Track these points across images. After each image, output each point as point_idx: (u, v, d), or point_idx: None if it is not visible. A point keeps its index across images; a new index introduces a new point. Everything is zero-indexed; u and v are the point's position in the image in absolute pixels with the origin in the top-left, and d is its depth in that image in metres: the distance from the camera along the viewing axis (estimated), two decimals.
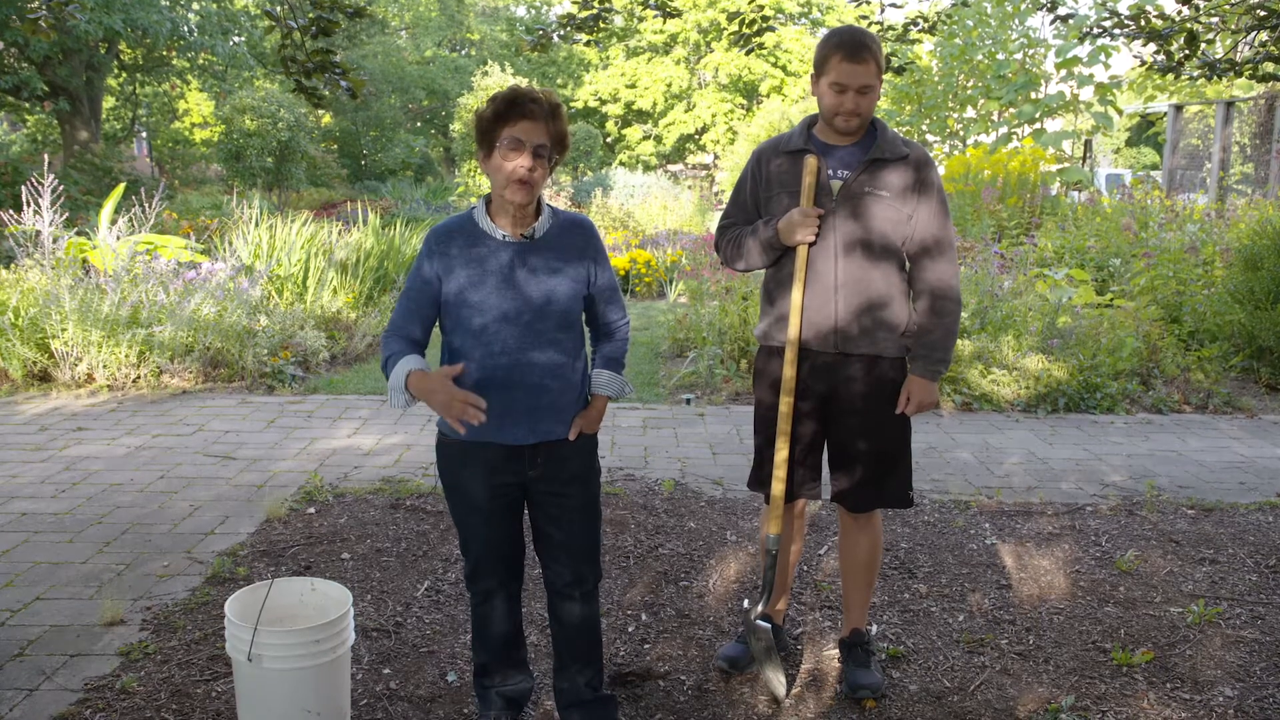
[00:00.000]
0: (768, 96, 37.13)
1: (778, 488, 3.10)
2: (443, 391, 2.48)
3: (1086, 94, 14.54)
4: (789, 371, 3.03)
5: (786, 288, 3.05)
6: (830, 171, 2.99)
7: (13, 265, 7.91)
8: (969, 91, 15.53)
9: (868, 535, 3.24)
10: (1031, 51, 14.81)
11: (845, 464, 3.14)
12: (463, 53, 40.75)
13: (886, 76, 3.66)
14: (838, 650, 3.38)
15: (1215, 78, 8.84)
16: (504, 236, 2.63)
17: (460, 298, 2.63)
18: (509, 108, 2.54)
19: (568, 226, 2.72)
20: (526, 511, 2.85)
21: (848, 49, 2.88)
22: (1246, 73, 8.81)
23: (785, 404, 3.05)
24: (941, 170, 13.16)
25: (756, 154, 3.16)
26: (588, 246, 2.73)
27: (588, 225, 2.77)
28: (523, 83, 24.36)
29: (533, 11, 42.81)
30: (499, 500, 2.75)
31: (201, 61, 25.98)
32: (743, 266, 3.17)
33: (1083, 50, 13.41)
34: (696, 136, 39.79)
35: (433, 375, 2.53)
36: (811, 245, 2.98)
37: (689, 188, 25.30)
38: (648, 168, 34.92)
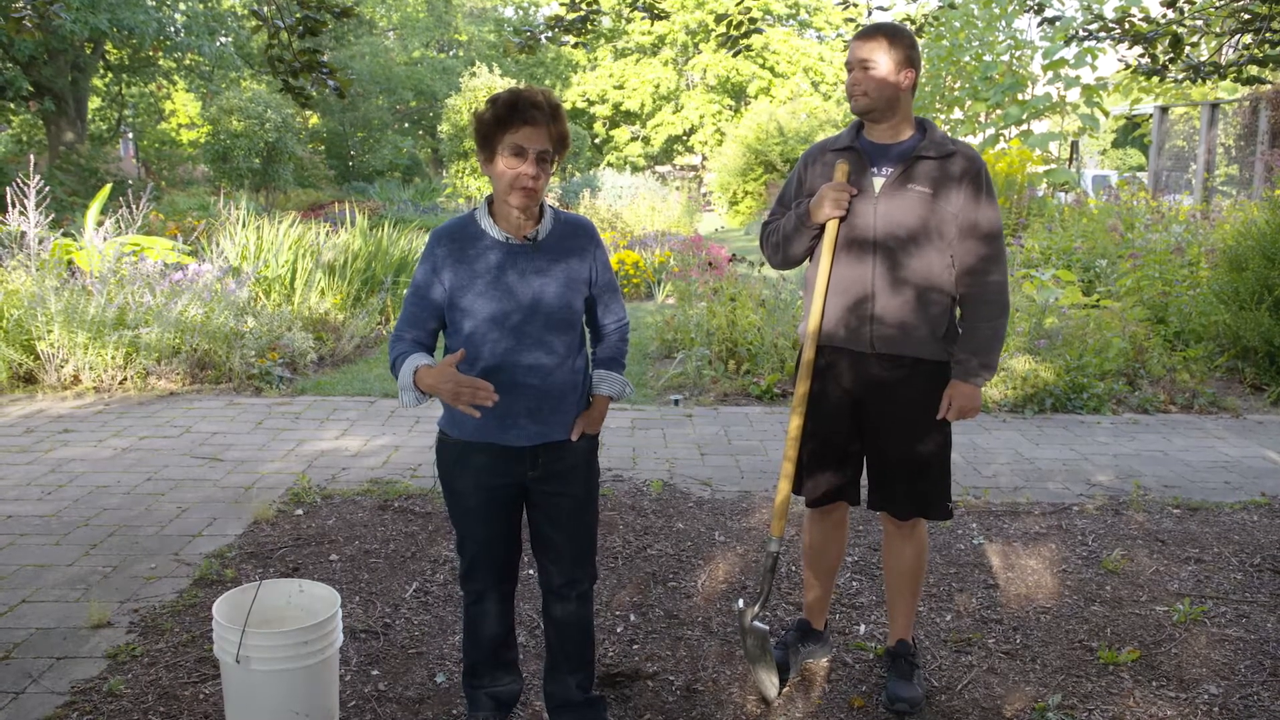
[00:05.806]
0: (755, 98, 37.23)
1: (784, 485, 3.06)
2: (450, 381, 2.47)
3: (1073, 96, 14.61)
4: (808, 354, 2.99)
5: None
6: (874, 169, 2.95)
7: None
8: (956, 93, 15.57)
9: (912, 544, 3.15)
10: (1018, 53, 14.85)
11: (882, 469, 3.07)
12: (450, 54, 40.73)
13: None
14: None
15: (1200, 80, 8.89)
16: (506, 238, 2.63)
17: (452, 301, 2.63)
18: (510, 113, 2.51)
19: (569, 229, 2.72)
20: (525, 513, 2.85)
21: (860, 31, 2.93)
22: (1230, 75, 8.86)
23: (799, 394, 2.99)
24: None
25: (804, 156, 3.13)
26: (588, 248, 2.72)
27: (589, 227, 2.77)
28: (511, 84, 24.35)
29: (520, 13, 42.79)
30: (497, 501, 2.74)
31: (188, 62, 25.92)
32: (781, 259, 3.11)
33: (1069, 52, 13.44)
34: (684, 138, 39.88)
35: (436, 368, 2.52)
36: (842, 220, 2.92)
37: (677, 189, 25.35)
38: (635, 169, 34.96)
